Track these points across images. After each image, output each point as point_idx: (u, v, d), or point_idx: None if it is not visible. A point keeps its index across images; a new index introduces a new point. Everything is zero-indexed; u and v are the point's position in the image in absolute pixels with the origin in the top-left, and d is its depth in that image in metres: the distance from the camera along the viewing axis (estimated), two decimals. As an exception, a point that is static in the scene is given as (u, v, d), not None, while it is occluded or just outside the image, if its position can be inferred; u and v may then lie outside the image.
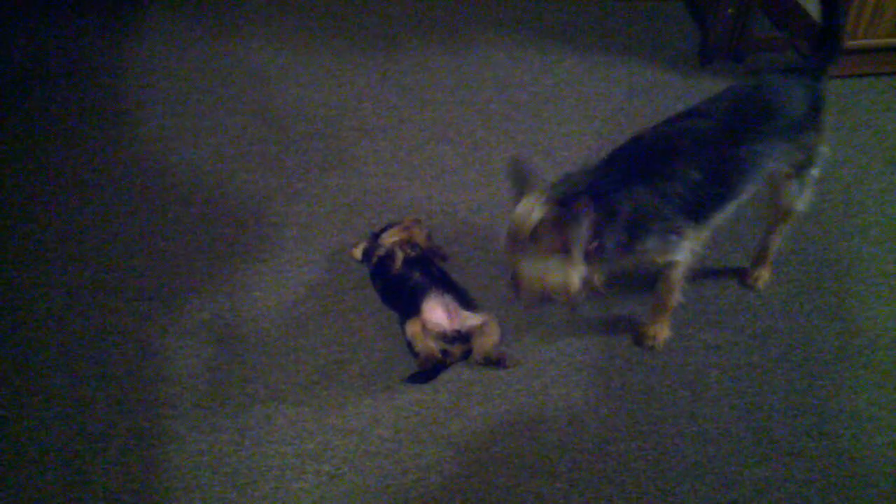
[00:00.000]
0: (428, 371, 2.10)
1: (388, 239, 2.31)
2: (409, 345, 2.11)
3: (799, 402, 2.06)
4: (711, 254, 2.29)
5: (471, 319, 2.14)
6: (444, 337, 2.11)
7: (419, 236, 2.32)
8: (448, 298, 2.16)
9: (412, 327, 2.11)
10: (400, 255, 2.23)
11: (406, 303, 2.17)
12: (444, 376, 2.11)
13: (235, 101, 2.96)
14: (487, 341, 2.13)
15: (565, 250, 1.74)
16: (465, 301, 2.21)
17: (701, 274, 2.26)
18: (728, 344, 2.20)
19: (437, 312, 2.13)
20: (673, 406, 2.05)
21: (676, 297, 2.07)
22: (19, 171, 2.69)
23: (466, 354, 2.13)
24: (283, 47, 3.29)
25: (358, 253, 2.35)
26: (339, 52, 3.28)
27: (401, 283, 2.21)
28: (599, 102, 2.99)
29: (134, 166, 2.69)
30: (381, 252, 2.27)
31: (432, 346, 2.08)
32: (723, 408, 2.05)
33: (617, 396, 2.08)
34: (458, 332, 2.12)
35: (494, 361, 2.11)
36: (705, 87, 2.98)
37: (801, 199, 2.10)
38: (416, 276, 2.21)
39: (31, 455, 1.94)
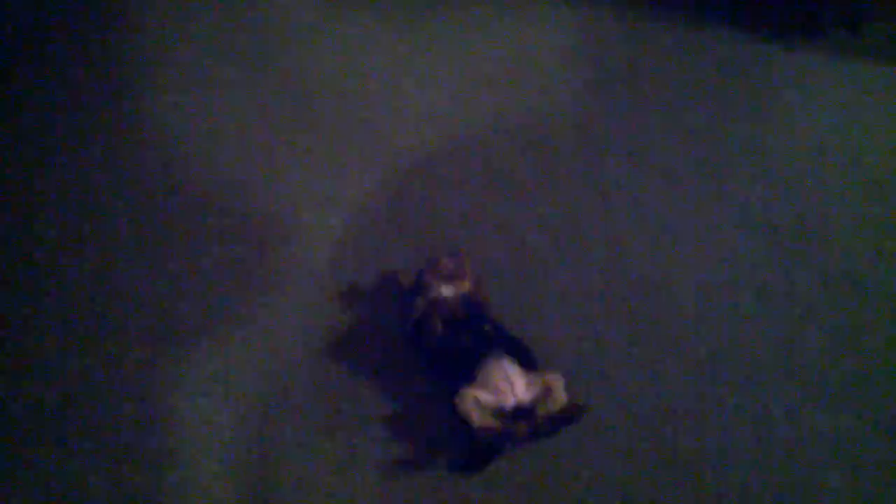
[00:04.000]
0: (482, 452, 1.75)
1: (429, 283, 1.91)
2: (462, 423, 1.74)
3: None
4: None
5: (535, 386, 1.76)
6: (504, 414, 1.72)
7: (464, 284, 1.91)
8: (507, 364, 1.77)
9: (465, 400, 1.73)
10: (436, 324, 1.83)
11: (455, 371, 1.80)
12: (503, 467, 1.79)
13: (257, 71, 2.47)
14: (555, 404, 1.76)
15: None
16: (527, 360, 1.82)
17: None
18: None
19: (495, 384, 1.75)
20: None
21: None
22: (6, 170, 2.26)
23: (534, 434, 1.76)
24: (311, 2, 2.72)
25: (407, 280, 1.96)
26: (382, 7, 2.71)
27: (446, 346, 1.83)
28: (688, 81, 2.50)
29: (138, 161, 2.26)
30: (415, 314, 1.88)
31: (491, 421, 1.71)
32: None
33: None
34: (523, 406, 1.74)
35: (564, 420, 1.77)
36: (812, 65, 2.48)
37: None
38: (466, 339, 1.81)
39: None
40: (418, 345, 1.90)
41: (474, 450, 1.77)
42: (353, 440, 1.83)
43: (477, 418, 1.72)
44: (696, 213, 2.18)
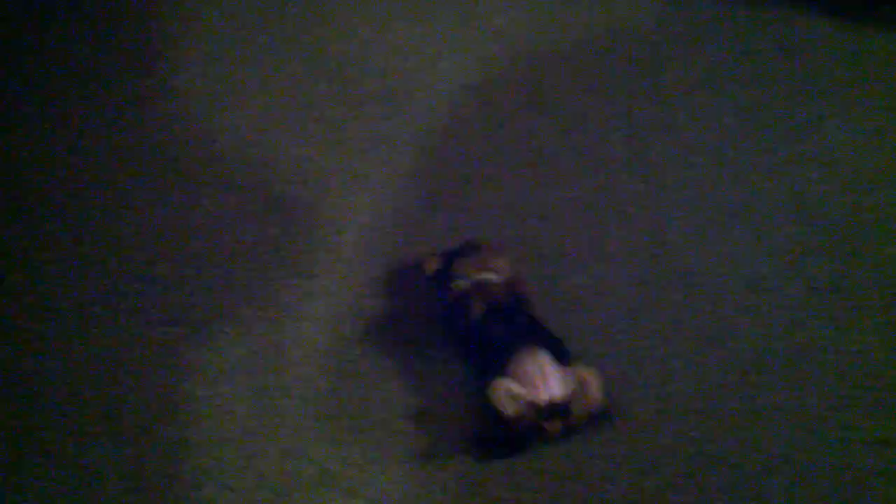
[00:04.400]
0: (510, 442, 1.68)
1: (463, 270, 1.81)
2: (494, 413, 1.65)
3: None
4: None
5: (570, 382, 1.66)
6: (537, 410, 1.64)
7: (502, 274, 1.82)
8: (542, 358, 1.68)
9: (498, 390, 1.65)
10: (478, 307, 1.74)
11: (488, 361, 1.71)
12: (533, 465, 1.70)
13: (289, 43, 2.38)
14: (589, 402, 1.68)
15: None
16: (561, 354, 1.72)
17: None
18: None
19: (530, 377, 1.66)
20: None
21: None
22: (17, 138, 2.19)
23: (568, 431, 1.68)
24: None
25: (431, 267, 1.86)
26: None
27: (479, 335, 1.75)
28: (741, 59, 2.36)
29: (165, 131, 2.18)
30: (451, 296, 1.78)
31: (520, 409, 1.64)
32: None
33: None
34: (557, 403, 1.65)
35: (599, 419, 1.71)
36: (868, 43, 2.34)
37: None
38: (499, 330, 1.72)
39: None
40: (453, 328, 1.81)
41: (501, 438, 1.68)
42: (377, 433, 1.75)
43: (509, 408, 1.64)
44: (747, 199, 2.06)
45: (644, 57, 2.32)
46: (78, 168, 2.13)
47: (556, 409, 1.66)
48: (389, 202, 2.05)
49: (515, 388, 1.65)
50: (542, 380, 1.66)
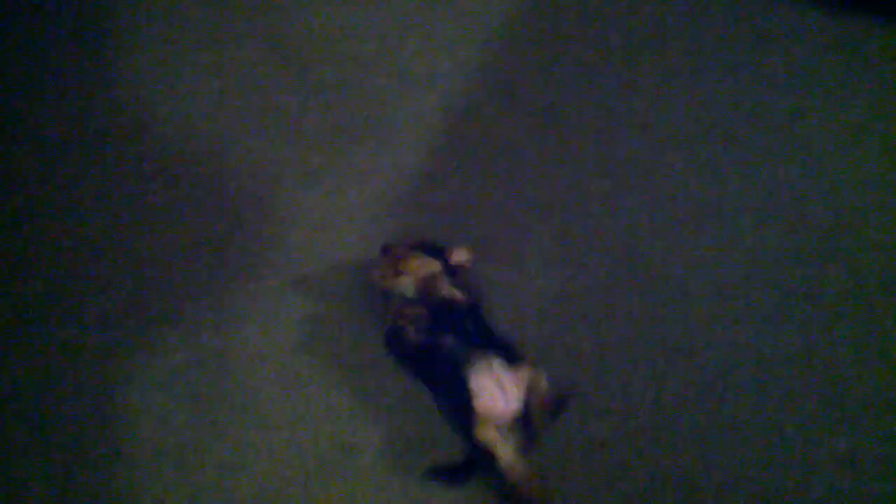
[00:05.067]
0: (466, 466, 1.60)
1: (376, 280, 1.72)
2: (482, 455, 1.57)
3: None
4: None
5: (523, 383, 1.59)
6: (513, 427, 1.57)
7: (418, 273, 1.72)
8: (497, 367, 1.59)
9: (486, 432, 1.55)
10: (411, 331, 1.64)
11: (445, 381, 1.62)
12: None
13: (244, 24, 2.26)
14: (541, 397, 1.60)
15: None
16: (509, 352, 1.63)
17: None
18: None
19: (492, 393, 1.57)
20: None
21: None
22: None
23: (532, 437, 1.60)
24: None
25: (381, 280, 1.76)
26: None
27: (426, 351, 1.64)
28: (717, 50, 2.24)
29: (108, 119, 2.07)
30: (387, 322, 1.69)
31: (517, 451, 1.56)
32: None
33: None
34: (519, 411, 1.58)
35: (555, 413, 1.62)
36: (856, 34, 2.21)
37: None
38: (449, 339, 1.62)
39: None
40: (397, 355, 1.71)
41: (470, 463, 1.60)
42: (322, 446, 1.67)
43: (504, 451, 1.55)
44: (719, 200, 1.96)
45: (616, 45, 2.20)
46: (11, 158, 2.01)
47: (520, 419, 1.57)
48: (343, 199, 1.95)
49: (490, 414, 1.55)
50: (502, 392, 1.57)
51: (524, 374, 1.59)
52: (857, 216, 1.92)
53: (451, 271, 1.74)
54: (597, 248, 1.89)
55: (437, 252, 1.75)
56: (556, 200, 1.95)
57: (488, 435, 1.55)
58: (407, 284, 1.69)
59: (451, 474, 1.60)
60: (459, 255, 1.76)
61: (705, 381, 1.73)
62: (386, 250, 1.75)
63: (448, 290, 1.68)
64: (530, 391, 1.58)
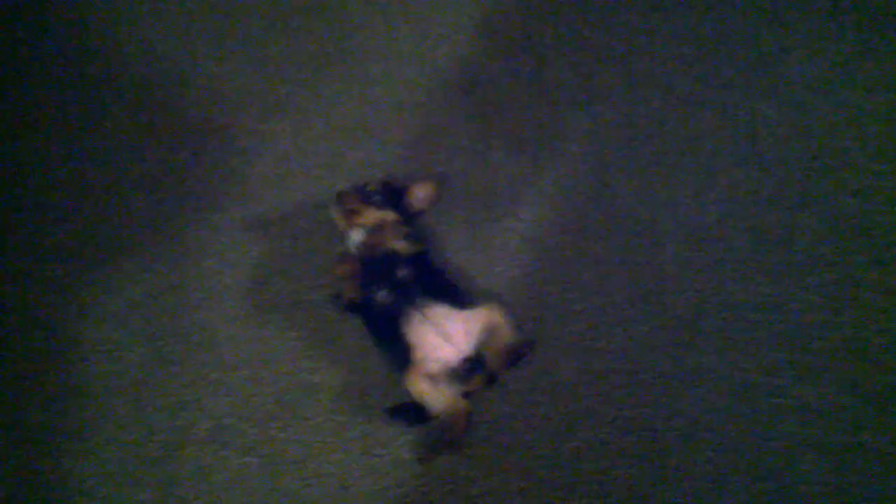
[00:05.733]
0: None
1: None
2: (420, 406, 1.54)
3: None
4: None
5: (476, 327, 1.54)
6: (455, 374, 1.52)
7: (376, 231, 1.65)
8: (439, 312, 1.54)
9: (415, 384, 1.52)
10: (346, 288, 1.60)
11: (387, 339, 1.57)
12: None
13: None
14: (501, 341, 1.56)
15: None
16: (458, 298, 1.59)
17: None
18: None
19: (432, 343, 1.53)
20: None
21: None
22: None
23: (490, 380, 1.58)
24: None
25: (340, 219, 1.71)
26: None
27: (370, 308, 1.59)
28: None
29: (66, 42, 1.98)
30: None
31: (451, 398, 1.51)
32: None
33: None
34: (471, 357, 1.53)
35: (515, 358, 1.58)
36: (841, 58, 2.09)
37: None
38: (382, 294, 1.57)
39: None
40: (338, 311, 1.66)
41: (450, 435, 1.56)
42: (280, 385, 1.64)
43: (435, 400, 1.52)
44: (696, 139, 1.90)
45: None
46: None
47: (473, 365, 1.53)
48: (309, 130, 1.88)
49: (427, 365, 1.51)
50: (446, 340, 1.53)
51: (478, 316, 1.55)
52: (836, 159, 1.87)
53: (410, 216, 1.68)
54: (568, 188, 1.83)
55: (399, 192, 1.69)
56: (530, 136, 1.88)
57: (417, 386, 1.51)
58: (357, 237, 1.63)
59: (410, 415, 1.56)
60: (422, 191, 1.70)
61: (673, 327, 1.69)
62: (340, 199, 1.68)
63: (392, 241, 1.62)
64: (489, 333, 1.54)
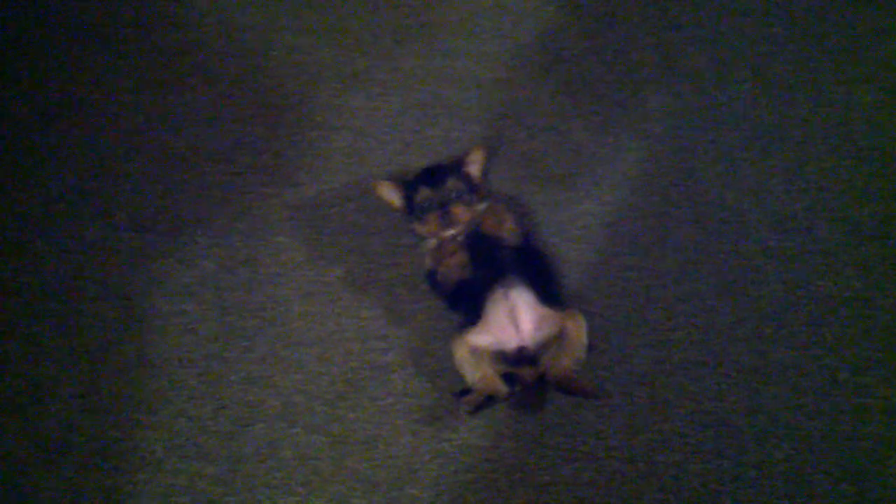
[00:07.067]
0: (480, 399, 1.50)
1: (424, 228, 1.62)
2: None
3: None
4: None
5: (548, 325, 1.50)
6: (505, 358, 1.49)
7: (463, 214, 1.61)
8: (521, 296, 1.52)
9: (459, 348, 1.50)
10: (451, 272, 1.58)
11: (467, 306, 1.55)
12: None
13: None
14: (563, 358, 1.51)
15: None
16: (549, 292, 1.55)
17: None
18: None
19: (499, 322, 1.50)
20: None
21: None
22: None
23: (541, 381, 1.54)
24: None
25: (390, 196, 1.67)
26: None
27: (466, 286, 1.57)
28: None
29: (140, 12, 1.98)
30: (428, 264, 1.62)
31: (490, 375, 1.48)
32: None
33: None
34: (526, 349, 1.50)
35: (569, 389, 1.50)
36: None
37: None
38: (478, 270, 1.56)
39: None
40: (439, 294, 1.63)
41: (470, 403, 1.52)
42: (351, 364, 1.62)
43: (470, 373, 1.49)
44: (787, 124, 1.82)
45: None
46: (44, 49, 1.94)
47: (525, 357, 1.50)
48: (387, 105, 1.85)
49: (481, 339, 1.48)
50: (513, 324, 1.49)
51: (556, 318, 1.52)
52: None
53: (472, 187, 1.63)
54: (651, 171, 1.77)
55: (456, 166, 1.65)
56: (613, 117, 1.83)
57: (460, 351, 1.50)
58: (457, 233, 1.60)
59: (479, 400, 1.53)
60: (475, 160, 1.66)
61: (757, 319, 1.63)
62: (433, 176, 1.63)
63: (499, 229, 1.59)
64: (559, 339, 1.51)
